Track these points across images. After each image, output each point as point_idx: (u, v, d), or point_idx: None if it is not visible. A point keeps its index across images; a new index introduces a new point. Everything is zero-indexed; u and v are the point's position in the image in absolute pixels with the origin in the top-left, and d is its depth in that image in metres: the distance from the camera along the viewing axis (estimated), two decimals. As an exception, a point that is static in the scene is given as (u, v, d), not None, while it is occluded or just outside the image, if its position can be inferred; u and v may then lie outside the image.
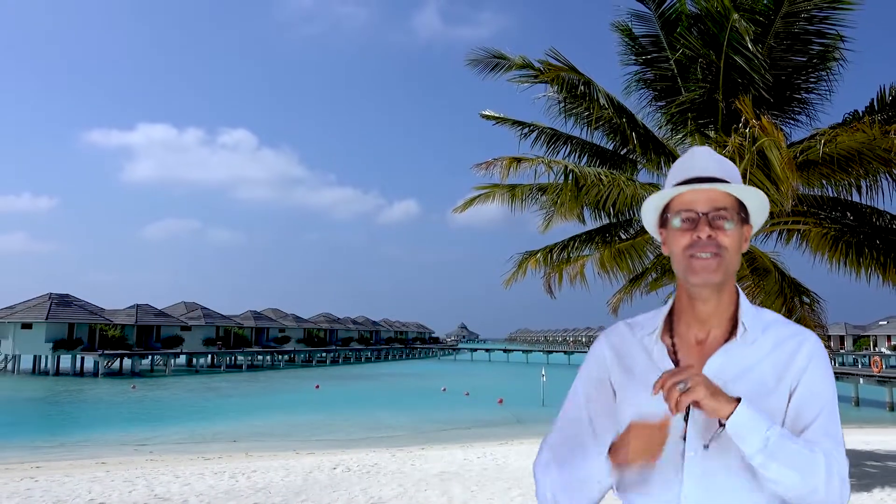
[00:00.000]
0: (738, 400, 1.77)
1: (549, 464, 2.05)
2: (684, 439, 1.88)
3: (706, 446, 1.85)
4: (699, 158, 2.05)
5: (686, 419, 1.89)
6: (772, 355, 1.92)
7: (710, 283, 1.92)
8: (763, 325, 1.98)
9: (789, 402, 1.89)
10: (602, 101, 13.62)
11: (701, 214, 1.93)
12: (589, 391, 2.11)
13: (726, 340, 1.96)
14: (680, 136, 14.28)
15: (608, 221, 15.30)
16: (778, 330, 1.97)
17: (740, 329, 1.95)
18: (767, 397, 1.87)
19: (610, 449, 1.88)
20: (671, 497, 1.88)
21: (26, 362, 65.78)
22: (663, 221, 2.06)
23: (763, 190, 10.99)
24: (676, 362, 1.97)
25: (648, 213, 2.11)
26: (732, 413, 1.74)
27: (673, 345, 2.01)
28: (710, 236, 1.91)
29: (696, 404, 1.75)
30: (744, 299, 2.01)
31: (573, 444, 2.04)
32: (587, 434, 2.05)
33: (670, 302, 2.10)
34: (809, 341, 1.94)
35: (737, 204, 1.97)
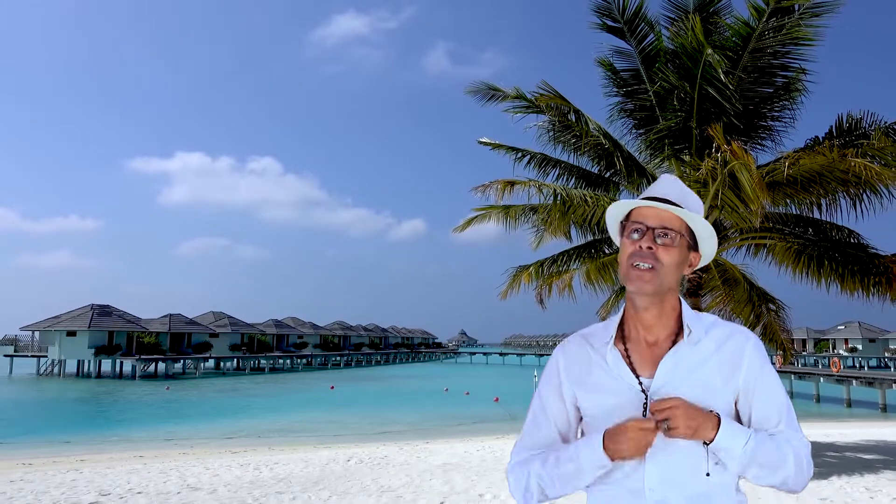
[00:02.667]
0: (718, 418, 1.82)
1: (530, 461, 2.03)
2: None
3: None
4: (665, 183, 2.05)
5: (644, 411, 1.89)
6: (716, 355, 1.93)
7: (642, 292, 1.92)
8: (705, 326, 1.97)
9: (746, 402, 1.93)
10: (591, 127, 13.64)
11: (648, 228, 1.93)
12: (547, 398, 2.09)
13: (673, 342, 1.95)
14: (658, 160, 14.27)
15: (593, 238, 15.30)
16: (718, 330, 1.98)
17: (686, 331, 1.95)
18: (714, 394, 1.90)
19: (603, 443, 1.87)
20: (635, 483, 1.88)
21: (71, 366, 65.84)
22: (623, 231, 2.05)
23: (733, 209, 11.01)
24: (631, 366, 1.96)
25: (609, 221, 2.12)
26: (715, 437, 1.80)
27: (626, 349, 2.00)
28: (649, 247, 1.91)
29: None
30: (685, 306, 2.01)
31: (548, 442, 2.06)
32: (554, 434, 2.06)
33: (621, 310, 2.08)
34: (750, 340, 1.97)
35: (686, 229, 1.97)
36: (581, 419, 2.05)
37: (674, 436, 1.79)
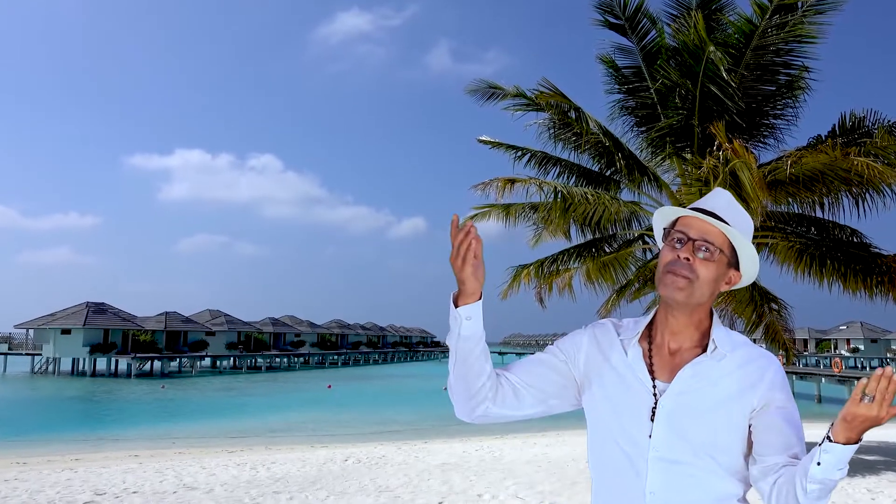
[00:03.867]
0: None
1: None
2: (650, 437, 1.89)
3: None
4: (716, 197, 2.06)
5: (652, 416, 1.90)
6: (737, 373, 1.92)
7: (673, 299, 1.93)
8: (732, 345, 1.97)
9: (764, 422, 1.87)
10: (591, 125, 13.64)
11: (689, 239, 1.94)
12: (550, 358, 2.11)
13: (697, 354, 1.96)
14: (659, 158, 14.28)
15: (594, 237, 15.31)
16: (746, 351, 1.96)
17: (711, 345, 1.94)
18: (727, 410, 1.88)
19: None
20: (636, 493, 1.88)
21: (66, 365, 65.78)
22: (665, 236, 2.06)
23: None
24: (650, 366, 1.97)
25: (655, 224, 2.14)
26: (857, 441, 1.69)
27: (649, 350, 2.01)
28: (687, 258, 1.92)
29: (879, 421, 1.64)
30: (717, 321, 2.01)
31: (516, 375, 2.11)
32: (526, 377, 2.10)
33: (653, 311, 2.08)
34: (773, 366, 1.94)
35: (728, 246, 1.97)
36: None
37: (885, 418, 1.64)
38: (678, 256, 1.93)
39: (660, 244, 2.09)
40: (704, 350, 1.95)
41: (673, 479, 1.85)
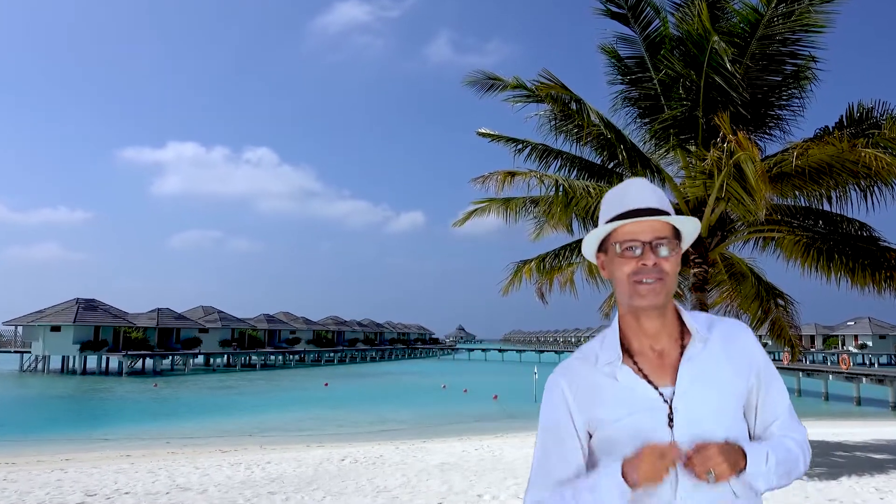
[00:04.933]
0: (743, 452, 1.86)
1: (546, 501, 1.99)
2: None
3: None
4: (636, 190, 2.04)
5: (670, 422, 1.91)
6: (725, 353, 1.98)
7: (654, 306, 1.94)
8: (706, 326, 2.01)
9: (755, 396, 2.00)
10: (592, 117, 13.62)
11: (644, 243, 1.94)
12: (558, 431, 2.03)
13: (681, 345, 1.99)
14: (663, 150, 14.29)
15: (596, 231, 15.29)
16: (720, 327, 2.03)
17: (694, 332, 1.97)
18: (733, 394, 1.95)
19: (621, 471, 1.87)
20: (667, 499, 1.89)
21: (55, 362, 65.74)
22: (602, 248, 2.07)
23: (739, 200, 11.03)
24: (646, 377, 1.97)
25: (591, 245, 2.09)
26: (745, 465, 1.84)
27: (635, 363, 2.00)
28: (655, 264, 1.92)
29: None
30: (680, 308, 2.05)
31: (565, 477, 1.99)
32: (570, 468, 2.00)
33: (615, 325, 2.06)
34: (748, 333, 2.05)
35: (673, 231, 1.99)
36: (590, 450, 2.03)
37: (721, 481, 1.82)
38: (643, 264, 1.92)
39: (593, 260, 2.12)
40: (682, 341, 2.00)
41: (701, 481, 1.86)
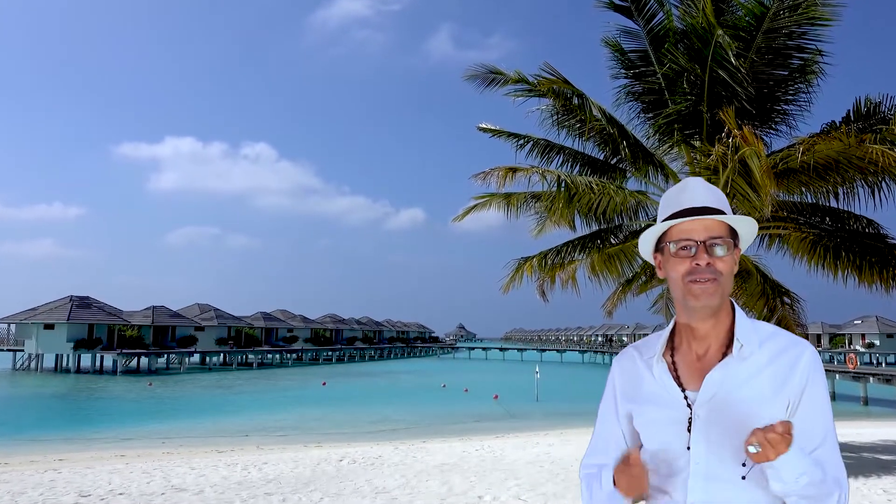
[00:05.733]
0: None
1: (592, 478, 2.12)
2: (689, 448, 1.93)
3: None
4: (694, 189, 2.06)
5: (689, 426, 1.93)
6: (770, 367, 1.93)
7: (709, 306, 1.94)
8: (759, 339, 1.97)
9: (792, 414, 1.89)
10: (595, 112, 13.60)
11: (699, 243, 1.95)
12: (604, 413, 2.19)
13: (724, 355, 1.97)
14: (667, 146, 14.29)
15: (599, 228, 15.30)
16: (775, 342, 1.97)
17: (736, 345, 1.95)
18: (763, 407, 1.88)
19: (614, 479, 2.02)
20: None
21: (49, 361, 65.77)
22: (658, 247, 2.08)
23: (744, 196, 11.02)
24: (676, 378, 2.00)
25: (647, 244, 2.12)
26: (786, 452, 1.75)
27: (673, 363, 2.03)
28: (708, 263, 1.93)
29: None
30: (740, 315, 2.01)
31: (615, 446, 2.13)
32: (618, 440, 2.14)
33: (672, 322, 2.11)
34: (807, 353, 1.94)
35: (729, 231, 1.99)
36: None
37: (760, 461, 1.76)
38: (697, 264, 1.93)
39: (650, 260, 2.15)
40: (728, 349, 1.97)
41: (712, 487, 1.88)
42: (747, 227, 2.03)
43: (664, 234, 2.04)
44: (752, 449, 1.74)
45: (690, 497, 1.88)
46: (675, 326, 2.09)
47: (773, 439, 1.71)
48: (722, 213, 1.99)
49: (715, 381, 1.92)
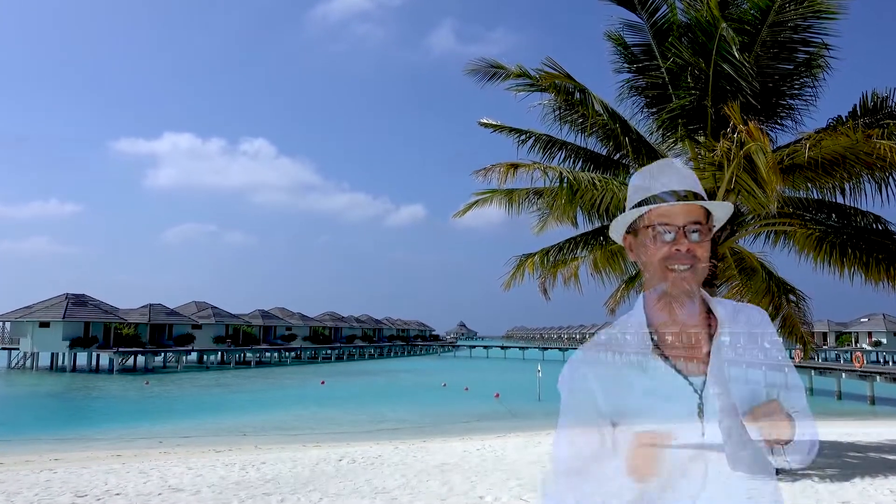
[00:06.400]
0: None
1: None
2: (703, 435, 1.91)
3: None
4: (676, 173, 2.05)
5: (699, 413, 1.91)
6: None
7: (685, 293, 1.94)
8: (732, 311, 2.01)
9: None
10: (597, 107, 13.58)
11: (678, 227, 1.94)
12: (583, 421, 2.03)
13: (709, 334, 1.98)
14: (671, 141, 14.27)
15: (601, 224, 15.29)
16: (744, 313, 2.04)
17: (721, 322, 1.97)
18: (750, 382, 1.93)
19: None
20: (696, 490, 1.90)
21: (44, 359, 65.71)
22: (630, 229, 2.07)
23: (749, 192, 11.02)
24: (675, 366, 1.96)
25: (619, 228, 2.11)
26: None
27: (664, 352, 2.00)
28: (688, 249, 1.92)
29: None
30: (705, 294, 2.02)
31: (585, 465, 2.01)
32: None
33: (639, 312, 2.04)
34: (767, 319, 2.06)
35: (706, 215, 1.99)
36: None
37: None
38: (677, 250, 1.93)
39: (619, 241, 2.15)
40: (710, 329, 1.98)
41: (725, 469, 1.88)
42: (723, 212, 2.04)
43: (640, 216, 2.03)
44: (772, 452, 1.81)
45: (708, 483, 1.87)
46: (647, 314, 2.03)
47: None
48: (701, 197, 1.99)
49: (718, 359, 1.94)
